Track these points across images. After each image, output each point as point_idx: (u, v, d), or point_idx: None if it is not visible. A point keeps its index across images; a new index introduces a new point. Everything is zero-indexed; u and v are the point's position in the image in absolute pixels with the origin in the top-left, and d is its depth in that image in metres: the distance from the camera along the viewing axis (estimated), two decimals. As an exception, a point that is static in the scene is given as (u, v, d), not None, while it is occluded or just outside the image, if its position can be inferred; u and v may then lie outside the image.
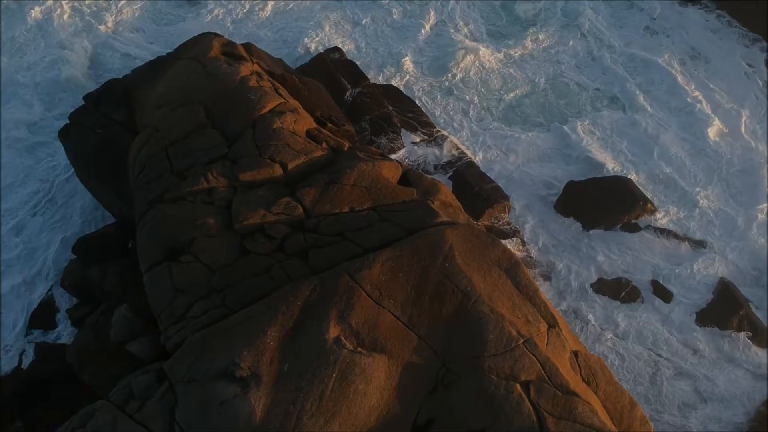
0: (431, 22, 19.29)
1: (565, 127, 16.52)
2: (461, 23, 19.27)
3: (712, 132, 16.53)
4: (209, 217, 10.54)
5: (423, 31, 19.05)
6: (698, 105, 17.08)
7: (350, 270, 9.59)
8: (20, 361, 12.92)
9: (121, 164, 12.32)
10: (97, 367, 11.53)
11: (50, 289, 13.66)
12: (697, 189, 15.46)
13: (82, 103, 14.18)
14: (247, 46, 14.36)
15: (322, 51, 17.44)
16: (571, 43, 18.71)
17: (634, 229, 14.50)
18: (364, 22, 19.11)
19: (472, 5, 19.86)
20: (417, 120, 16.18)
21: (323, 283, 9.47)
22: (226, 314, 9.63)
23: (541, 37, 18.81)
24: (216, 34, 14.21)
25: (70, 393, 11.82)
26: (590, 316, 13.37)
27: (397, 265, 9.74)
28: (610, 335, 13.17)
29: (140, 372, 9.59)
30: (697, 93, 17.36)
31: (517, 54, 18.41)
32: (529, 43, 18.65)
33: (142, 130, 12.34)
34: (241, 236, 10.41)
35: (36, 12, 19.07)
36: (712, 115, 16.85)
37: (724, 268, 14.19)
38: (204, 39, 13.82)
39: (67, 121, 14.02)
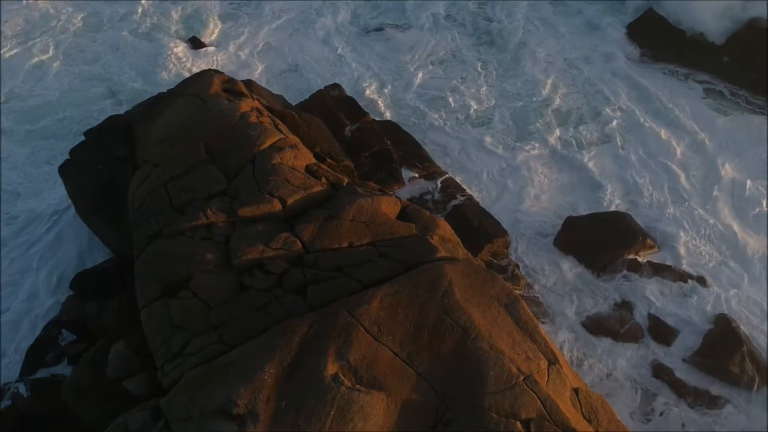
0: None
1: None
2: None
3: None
4: (208, 253, 10.53)
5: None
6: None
7: (349, 306, 9.55)
8: (16, 399, 12.74)
9: (121, 200, 12.35)
10: (92, 405, 11.38)
11: (47, 326, 13.53)
12: (697, 225, 15.56)
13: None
14: (248, 83, 14.53)
15: (321, 88, 17.59)
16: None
17: (633, 265, 14.42)
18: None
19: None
20: (416, 156, 16.24)
21: (321, 319, 9.42)
22: (223, 351, 9.55)
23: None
24: (217, 71, 14.39)
25: (66, 431, 11.66)
26: (589, 354, 13.25)
27: (396, 300, 9.70)
28: (609, 373, 13.03)
29: (136, 409, 9.47)
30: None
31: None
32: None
33: (142, 165, 12.41)
34: (239, 272, 10.39)
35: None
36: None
37: (725, 304, 14.14)
38: (205, 76, 14.00)
39: (67, 157, 14.13)
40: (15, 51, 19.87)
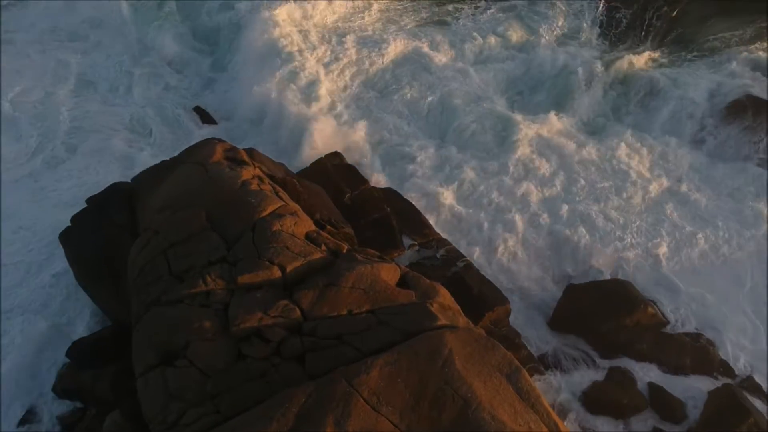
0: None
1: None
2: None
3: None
4: (206, 321, 10.44)
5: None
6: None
7: (348, 375, 9.40)
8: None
9: (120, 267, 12.35)
10: (84, 478, 11.16)
11: (42, 394, 13.35)
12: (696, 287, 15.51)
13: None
14: (250, 151, 14.71)
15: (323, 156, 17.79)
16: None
17: (635, 332, 14.30)
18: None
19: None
20: (416, 222, 16.30)
21: (320, 388, 9.26)
22: (219, 421, 9.36)
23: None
24: (219, 140, 14.60)
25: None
26: (591, 425, 13.02)
27: (396, 369, 9.57)
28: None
29: (129, 483, 9.27)
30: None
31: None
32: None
33: (142, 232, 12.45)
34: (237, 340, 10.29)
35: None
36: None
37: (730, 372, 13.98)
38: (207, 144, 14.20)
39: (69, 224, 14.20)
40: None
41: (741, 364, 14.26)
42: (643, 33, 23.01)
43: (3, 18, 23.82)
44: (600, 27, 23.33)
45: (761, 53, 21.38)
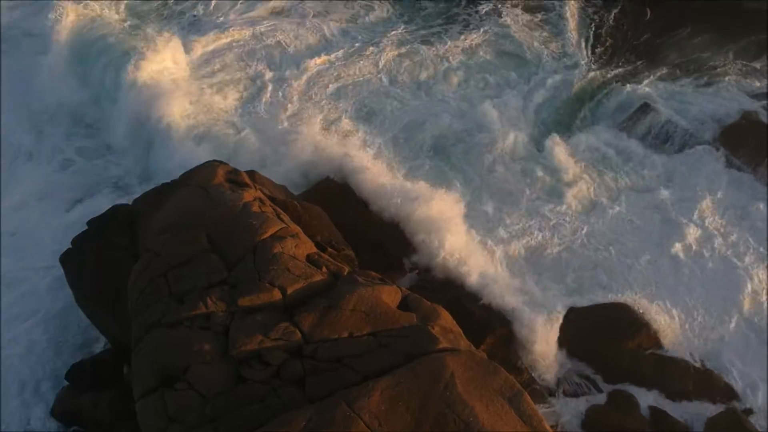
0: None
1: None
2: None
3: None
4: (206, 343, 10.40)
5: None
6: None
7: (348, 399, 9.34)
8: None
9: (121, 289, 12.33)
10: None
11: (40, 418, 13.27)
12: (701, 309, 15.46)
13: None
14: (251, 173, 14.76)
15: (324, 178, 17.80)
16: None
17: (637, 356, 14.24)
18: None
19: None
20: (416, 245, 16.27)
21: (320, 412, 9.19)
22: (219, 445, 9.32)
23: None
24: (220, 162, 14.66)
25: None
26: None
27: (397, 393, 9.50)
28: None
29: (127, 508, 9.17)
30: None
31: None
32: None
33: (143, 254, 12.45)
34: (237, 363, 10.24)
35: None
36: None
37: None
38: (208, 166, 14.26)
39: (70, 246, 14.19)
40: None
41: (745, 389, 14.14)
42: (634, 55, 22.97)
43: (3, 17, 23.46)
44: (590, 49, 23.18)
45: (756, 71, 21.47)
